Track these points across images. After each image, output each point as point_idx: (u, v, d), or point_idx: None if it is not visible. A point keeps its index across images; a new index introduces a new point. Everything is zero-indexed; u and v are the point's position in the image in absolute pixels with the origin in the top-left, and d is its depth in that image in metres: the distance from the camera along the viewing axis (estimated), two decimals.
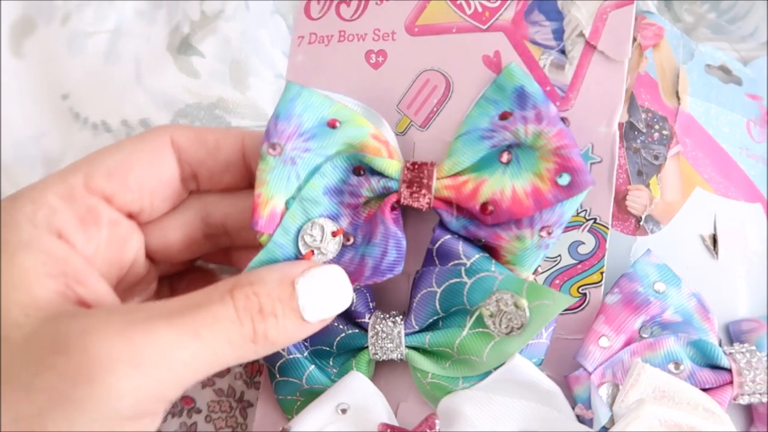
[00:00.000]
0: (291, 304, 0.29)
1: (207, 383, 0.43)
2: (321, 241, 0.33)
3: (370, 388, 0.33)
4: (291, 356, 0.35)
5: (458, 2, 0.37)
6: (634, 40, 0.42)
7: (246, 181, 0.35)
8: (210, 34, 0.45)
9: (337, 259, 0.33)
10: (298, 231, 0.32)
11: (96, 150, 0.33)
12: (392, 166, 0.33)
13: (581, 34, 0.35)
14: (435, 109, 0.37)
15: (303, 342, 0.35)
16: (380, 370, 0.36)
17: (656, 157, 0.39)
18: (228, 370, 0.42)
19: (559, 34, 0.36)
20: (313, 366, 0.35)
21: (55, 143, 0.45)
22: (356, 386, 0.33)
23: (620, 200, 0.39)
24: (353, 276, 0.32)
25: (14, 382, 0.26)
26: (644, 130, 0.40)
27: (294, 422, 0.32)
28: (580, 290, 0.34)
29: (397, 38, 0.37)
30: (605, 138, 0.34)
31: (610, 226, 0.34)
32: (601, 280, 0.34)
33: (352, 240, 0.33)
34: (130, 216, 0.33)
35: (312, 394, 0.34)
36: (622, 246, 0.38)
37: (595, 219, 0.35)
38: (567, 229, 0.34)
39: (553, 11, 0.36)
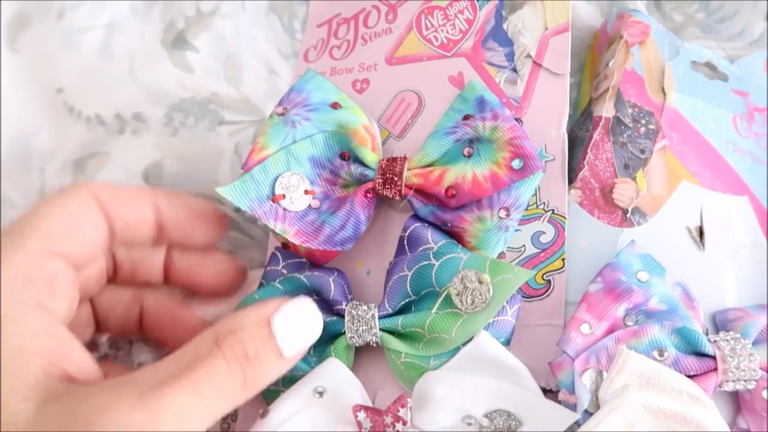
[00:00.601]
0: (271, 345, 0.30)
1: None
2: (294, 191, 0.37)
3: (347, 373, 0.34)
4: None
5: (428, 37, 0.43)
6: (621, 37, 0.43)
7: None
8: (204, 30, 0.46)
9: (300, 216, 0.37)
10: (277, 176, 0.37)
11: (29, 212, 0.33)
12: (371, 156, 0.37)
13: (529, 56, 0.41)
14: (409, 121, 0.41)
15: None
16: (359, 360, 0.37)
17: (642, 151, 0.40)
18: None
19: (510, 56, 0.41)
20: None
21: (49, 137, 0.46)
22: (333, 371, 0.34)
23: (607, 193, 0.39)
24: (308, 237, 0.36)
25: None
26: (631, 125, 0.40)
27: (273, 406, 0.33)
28: (544, 277, 0.37)
29: (378, 69, 0.43)
30: (556, 139, 0.39)
31: (566, 216, 0.38)
32: (563, 267, 0.37)
33: (318, 205, 0.37)
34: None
35: (293, 383, 0.35)
36: (609, 238, 0.38)
37: (553, 210, 0.38)
38: (528, 221, 0.38)
39: (504, 39, 0.42)
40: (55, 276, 0.32)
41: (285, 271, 0.38)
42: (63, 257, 0.33)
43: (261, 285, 0.39)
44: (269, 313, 0.30)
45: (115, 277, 0.39)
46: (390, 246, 0.38)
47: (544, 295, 0.36)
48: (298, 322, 0.31)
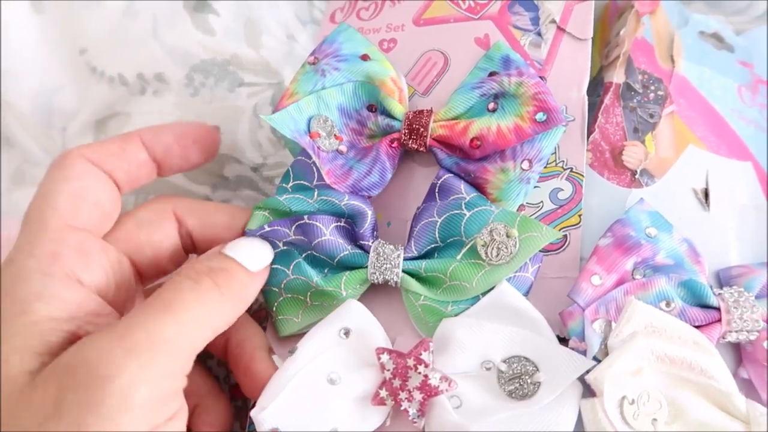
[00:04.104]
0: (233, 263, 0.33)
1: None
2: (327, 130, 0.38)
3: (369, 315, 0.35)
4: (285, 248, 0.37)
5: (455, 0, 0.45)
6: (632, 7, 0.44)
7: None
8: None
9: (330, 158, 0.38)
10: (311, 117, 0.38)
11: (38, 195, 0.34)
12: (398, 108, 0.39)
13: (553, 21, 0.43)
14: (435, 79, 0.43)
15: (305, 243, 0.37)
16: (377, 306, 0.37)
17: (651, 116, 0.41)
18: None
19: (535, 21, 0.43)
20: (301, 259, 0.37)
21: (72, 96, 0.47)
22: (356, 313, 0.35)
23: (617, 155, 0.40)
24: (338, 179, 0.37)
25: (36, 414, 0.27)
26: (640, 91, 0.42)
27: (300, 344, 0.34)
28: (561, 232, 0.38)
29: (406, 29, 0.45)
30: (576, 101, 0.40)
31: (584, 174, 0.39)
32: (579, 223, 0.38)
33: (345, 151, 0.39)
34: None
35: (295, 290, 0.36)
36: (618, 197, 0.39)
37: (572, 168, 0.39)
38: (547, 178, 0.39)
39: (530, 5, 0.44)
40: (84, 246, 0.32)
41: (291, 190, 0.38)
42: (84, 230, 0.33)
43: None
44: (217, 249, 0.34)
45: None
46: (412, 200, 0.39)
47: (561, 249, 0.38)
48: (249, 247, 0.34)
